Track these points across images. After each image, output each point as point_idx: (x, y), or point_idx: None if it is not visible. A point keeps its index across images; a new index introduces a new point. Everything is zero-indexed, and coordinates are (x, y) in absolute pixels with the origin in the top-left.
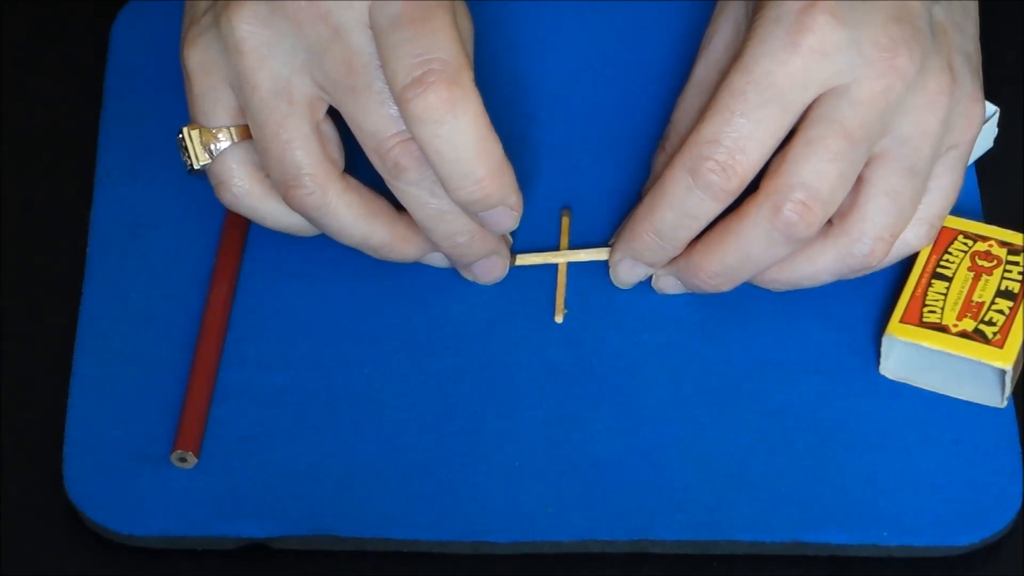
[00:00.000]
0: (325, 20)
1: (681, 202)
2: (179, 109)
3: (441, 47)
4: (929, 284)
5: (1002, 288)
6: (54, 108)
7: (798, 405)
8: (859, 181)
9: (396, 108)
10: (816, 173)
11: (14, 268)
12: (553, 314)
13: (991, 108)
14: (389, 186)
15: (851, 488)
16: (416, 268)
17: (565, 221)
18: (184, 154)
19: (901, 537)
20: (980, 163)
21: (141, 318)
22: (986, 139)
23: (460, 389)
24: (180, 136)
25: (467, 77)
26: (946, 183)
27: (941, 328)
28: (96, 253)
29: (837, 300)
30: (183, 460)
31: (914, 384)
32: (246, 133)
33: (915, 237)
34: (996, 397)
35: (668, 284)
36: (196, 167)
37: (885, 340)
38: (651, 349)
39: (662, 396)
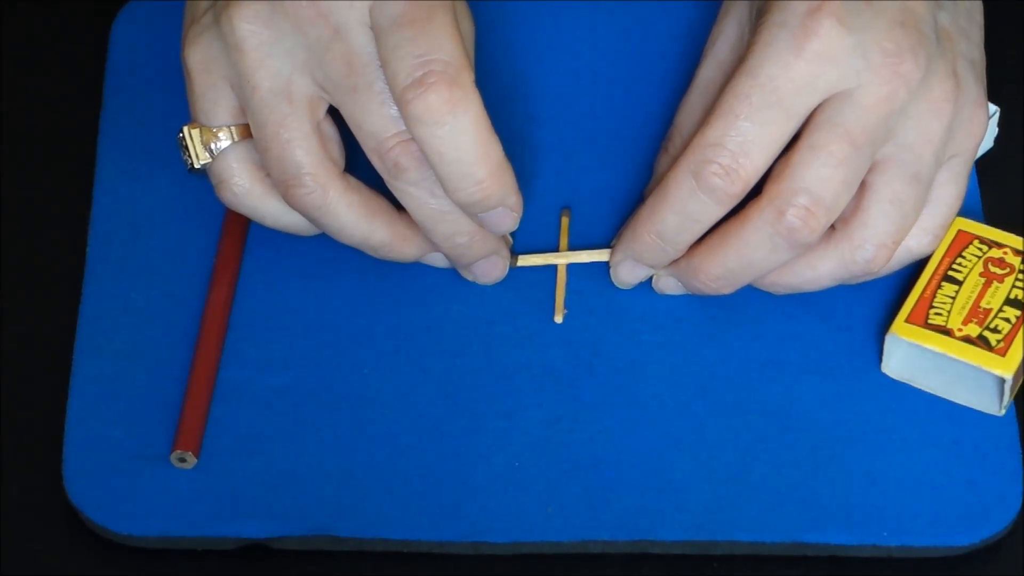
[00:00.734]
0: (326, 20)
1: (684, 205)
2: (179, 109)
3: (442, 48)
4: (939, 286)
5: (1011, 296)
6: (54, 108)
7: (798, 405)
8: (862, 187)
9: (396, 108)
10: (820, 179)
11: (14, 268)
12: (553, 314)
13: (991, 108)
14: (389, 186)
15: (851, 488)
16: (416, 268)
17: (565, 221)
18: (184, 153)
19: (901, 537)
20: (980, 163)
21: (141, 318)
22: (986, 139)
23: (460, 389)
24: (180, 135)
25: (468, 78)
26: (950, 191)
27: (945, 331)
28: (96, 253)
29: (839, 301)
30: (183, 460)
31: (915, 385)
32: (246, 132)
33: (918, 245)
34: (995, 405)
35: (668, 285)
36: (196, 166)
37: (888, 339)
38: (651, 349)
39: (662, 396)
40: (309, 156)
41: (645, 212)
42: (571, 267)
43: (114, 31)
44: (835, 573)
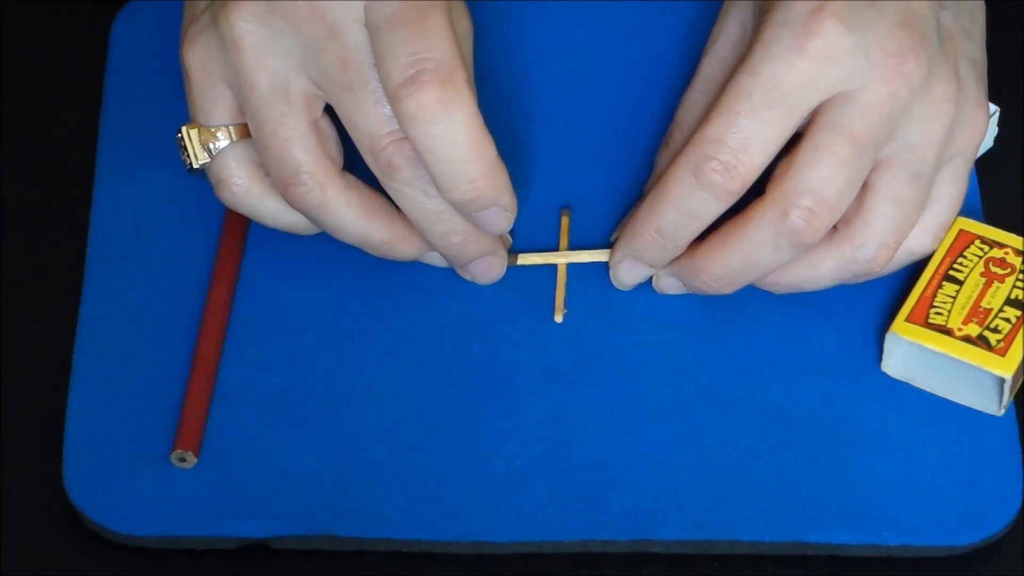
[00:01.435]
0: (321, 18)
1: (684, 201)
2: (179, 109)
3: (435, 47)
4: (939, 286)
5: (1012, 297)
6: (54, 108)
7: (799, 405)
8: (864, 187)
9: (390, 107)
10: (823, 180)
11: (14, 268)
12: (553, 314)
13: (991, 108)
14: (383, 185)
15: (851, 488)
16: (416, 268)
17: (565, 221)
18: (183, 153)
19: (901, 537)
20: (980, 163)
21: (141, 318)
22: (986, 139)
23: (460, 389)
24: (179, 135)
25: (461, 77)
26: (951, 192)
27: (945, 331)
28: (96, 253)
29: (839, 300)
30: (183, 460)
31: (915, 385)
32: (245, 132)
33: (919, 246)
34: (994, 405)
35: (669, 285)
36: (195, 166)
37: (889, 338)
38: (651, 349)
39: (662, 396)
40: (307, 154)
41: (644, 210)
42: (571, 267)
43: (114, 31)
44: (835, 573)
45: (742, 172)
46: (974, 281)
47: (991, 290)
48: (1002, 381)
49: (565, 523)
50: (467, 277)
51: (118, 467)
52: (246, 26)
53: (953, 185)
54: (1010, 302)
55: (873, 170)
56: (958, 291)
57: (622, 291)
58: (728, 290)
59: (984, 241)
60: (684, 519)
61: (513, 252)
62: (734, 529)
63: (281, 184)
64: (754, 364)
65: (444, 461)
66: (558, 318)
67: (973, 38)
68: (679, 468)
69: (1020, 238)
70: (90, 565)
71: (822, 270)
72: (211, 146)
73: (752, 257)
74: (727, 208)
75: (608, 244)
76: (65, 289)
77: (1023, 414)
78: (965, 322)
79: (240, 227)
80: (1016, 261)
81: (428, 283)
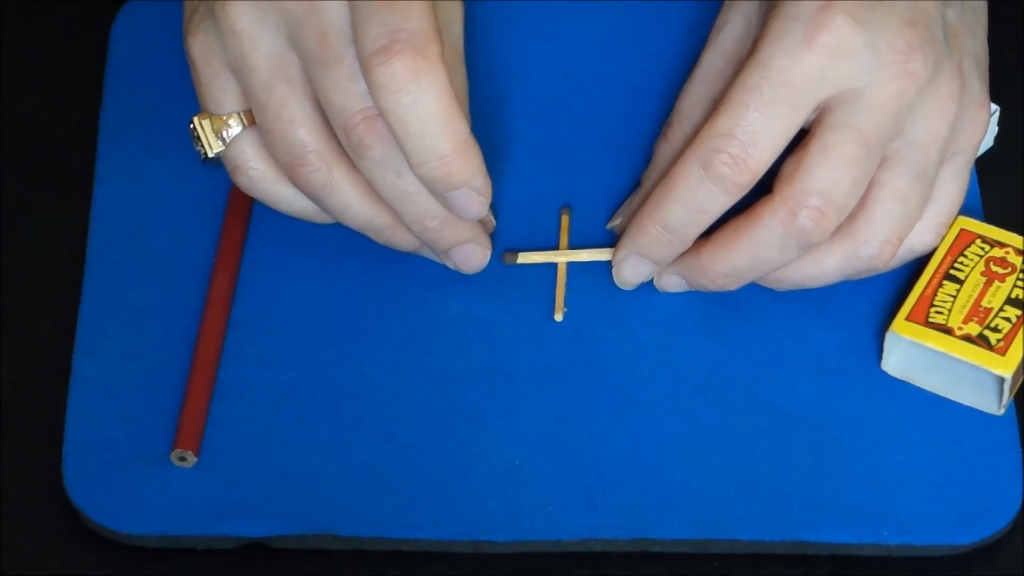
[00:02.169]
0: None
1: (692, 195)
2: (179, 108)
3: (410, 19)
4: (940, 285)
5: (1012, 296)
6: (54, 108)
7: (799, 404)
8: (868, 183)
9: (365, 85)
10: (832, 180)
11: (14, 268)
12: (553, 313)
13: (992, 107)
14: (357, 165)
15: (851, 487)
16: (416, 267)
17: (565, 220)
18: (197, 144)
19: (901, 536)
20: (980, 162)
21: (141, 318)
22: (987, 138)
23: (460, 388)
24: (192, 126)
25: (435, 50)
26: (952, 190)
27: (946, 330)
28: (96, 253)
29: (839, 299)
30: (183, 459)
31: (915, 384)
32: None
33: (920, 243)
34: (994, 404)
35: (672, 283)
36: (210, 155)
37: (889, 337)
38: (651, 347)
39: (662, 395)
40: (312, 135)
41: (650, 205)
42: (571, 266)
43: (114, 31)
44: (835, 572)
45: (751, 165)
46: (974, 280)
47: (991, 289)
48: (1002, 380)
49: (565, 522)
50: (450, 266)
51: (118, 467)
52: (239, 8)
53: (955, 183)
54: (1010, 301)
55: (878, 167)
56: (958, 290)
57: (622, 290)
58: (733, 287)
59: (985, 240)
60: (684, 518)
61: (513, 251)
62: (734, 528)
63: (287, 166)
64: (754, 363)
65: (444, 460)
66: (558, 317)
67: (976, 36)
68: (679, 467)
69: (1021, 237)
70: (90, 565)
71: (826, 267)
72: (224, 134)
73: (759, 255)
74: (735, 202)
75: (608, 243)
76: (65, 289)
77: (1023, 414)
78: (965, 321)
79: (239, 225)
80: (1017, 261)
81: (428, 282)
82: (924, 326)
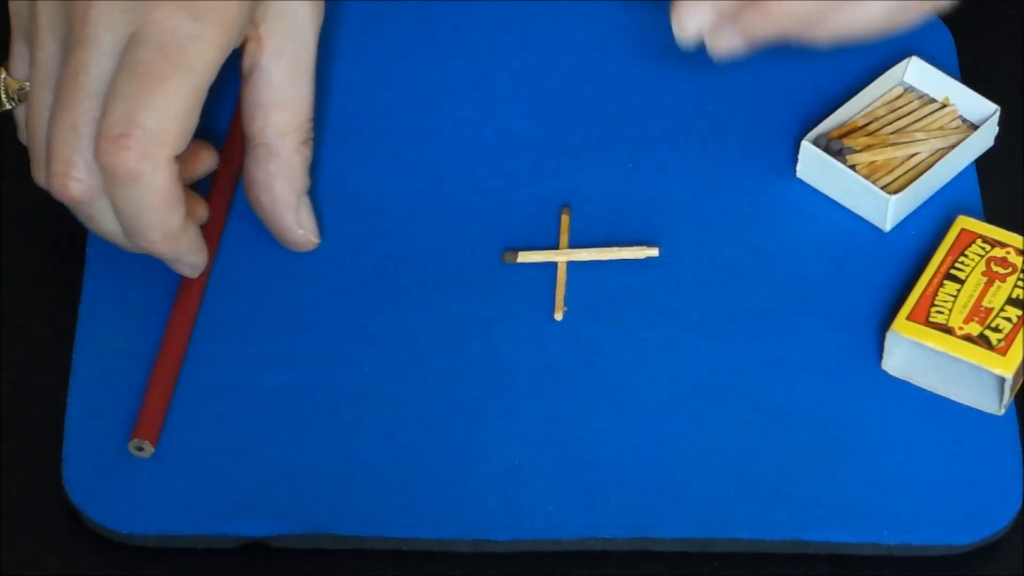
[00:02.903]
0: (84, 23)
1: None
2: None
3: (152, 115)
4: (940, 285)
5: (1013, 296)
6: None
7: (799, 403)
8: None
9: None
10: None
11: (14, 268)
12: (553, 312)
13: (991, 107)
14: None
15: (851, 487)
16: (416, 267)
17: (565, 219)
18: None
19: (901, 536)
20: (980, 163)
21: (141, 318)
22: (986, 138)
23: (460, 388)
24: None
25: (162, 154)
26: None
27: (946, 329)
28: (96, 253)
29: (839, 299)
30: (140, 449)
31: (915, 383)
32: None
33: None
34: (994, 404)
35: (727, 40)
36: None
37: (889, 336)
38: (651, 347)
39: (662, 394)
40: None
41: None
42: (571, 265)
43: None
44: (835, 572)
45: None
46: (975, 280)
47: (992, 289)
48: (1003, 380)
49: (565, 521)
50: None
51: (118, 467)
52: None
53: None
54: (1011, 301)
55: None
56: (959, 290)
57: (622, 290)
58: (790, 27)
59: (985, 240)
60: (684, 517)
61: (513, 251)
62: (734, 527)
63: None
64: (754, 362)
65: (444, 460)
66: (558, 316)
67: None
68: (679, 466)
69: (1021, 237)
70: (90, 565)
71: (872, 11)
72: (15, 96)
73: None
74: None
75: (608, 243)
76: (65, 289)
77: (1023, 414)
78: (966, 321)
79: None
80: (1017, 260)
81: (428, 282)
82: (925, 326)
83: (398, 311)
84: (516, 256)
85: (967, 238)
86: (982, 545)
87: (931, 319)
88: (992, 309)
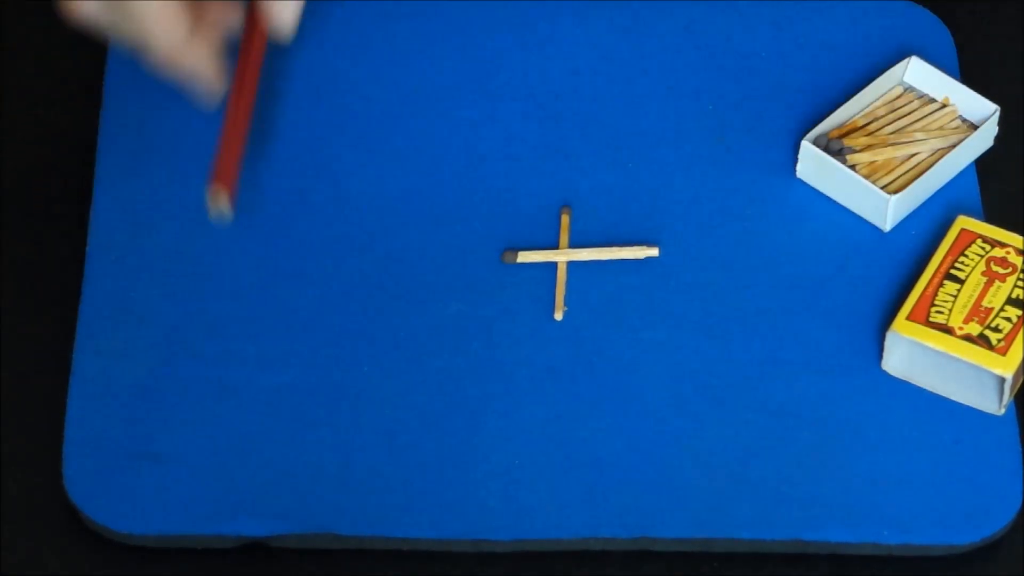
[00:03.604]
0: None
1: None
2: (179, 108)
3: None
4: (940, 284)
5: (1013, 296)
6: (54, 108)
7: (799, 403)
8: None
9: None
10: None
11: (14, 268)
12: (553, 312)
13: (991, 107)
14: None
15: (852, 486)
16: (416, 267)
17: (565, 219)
18: None
19: (901, 536)
20: (980, 163)
21: (141, 318)
22: (986, 138)
23: (460, 387)
24: None
25: None
26: None
27: (946, 329)
28: (96, 253)
29: (839, 299)
30: (216, 203)
31: (915, 383)
32: None
33: None
34: (994, 404)
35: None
36: None
37: (889, 336)
38: (651, 347)
39: (662, 394)
40: None
41: None
42: (571, 265)
43: None
44: (835, 571)
45: None
46: (975, 280)
47: (992, 289)
48: (1002, 380)
49: (565, 521)
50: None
51: (118, 467)
52: None
53: None
54: (1011, 301)
55: None
56: (959, 290)
57: (622, 290)
58: None
59: (985, 240)
60: (684, 517)
61: (513, 251)
62: (734, 527)
63: None
64: (754, 362)
65: (444, 459)
66: (558, 316)
67: None
68: (679, 466)
69: (1021, 237)
70: (90, 564)
71: None
72: None
73: None
74: None
75: (608, 243)
76: (65, 289)
77: (1023, 414)
78: (966, 321)
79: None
80: (1017, 260)
81: (428, 282)
82: (925, 326)
83: (398, 311)
84: (516, 256)
85: (967, 238)
86: (982, 545)
87: (931, 319)
88: (992, 309)
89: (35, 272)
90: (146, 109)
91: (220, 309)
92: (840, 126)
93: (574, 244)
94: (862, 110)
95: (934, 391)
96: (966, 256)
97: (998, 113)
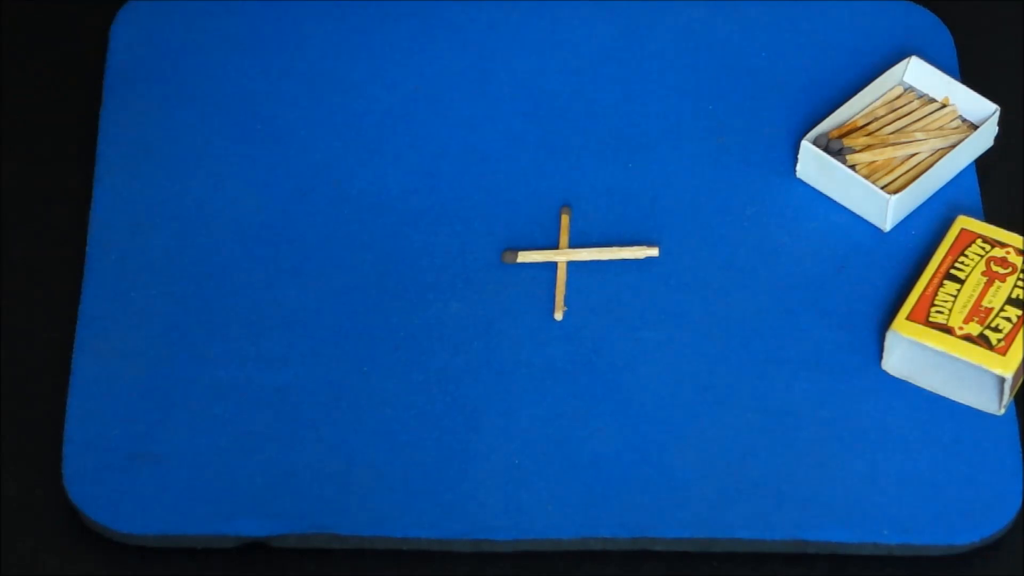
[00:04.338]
0: None
1: None
2: (179, 108)
3: None
4: (940, 284)
5: (1013, 296)
6: (54, 108)
7: (799, 403)
8: None
9: None
10: None
11: (14, 268)
12: (553, 312)
13: (991, 107)
14: None
15: (852, 486)
16: (416, 267)
17: (565, 219)
18: None
19: (901, 536)
20: (980, 163)
21: (141, 318)
22: (986, 138)
23: (460, 387)
24: None
25: None
26: None
27: (946, 329)
28: (96, 253)
29: (839, 299)
30: None
31: (915, 383)
32: None
33: None
34: (994, 404)
35: None
36: None
37: (889, 336)
38: (651, 347)
39: (662, 394)
40: None
41: None
42: (571, 265)
43: (114, 31)
44: (835, 571)
45: None
46: (975, 280)
47: (992, 289)
48: (1002, 380)
49: (565, 521)
50: None
51: (118, 467)
52: None
53: None
54: (1011, 301)
55: None
56: (959, 290)
57: (622, 290)
58: None
59: (985, 240)
60: (684, 517)
61: (513, 251)
62: (734, 527)
63: None
64: (754, 362)
65: (444, 459)
66: (558, 316)
67: None
68: (679, 466)
69: (1021, 237)
70: (90, 564)
71: None
72: None
73: None
74: None
75: (608, 243)
76: (65, 289)
77: (1023, 414)
78: (966, 321)
79: None
80: (1017, 260)
81: (428, 282)
82: (925, 325)
83: (398, 311)
84: (516, 256)
85: (967, 238)
86: (982, 545)
87: (931, 319)
88: (992, 309)
89: (35, 272)
90: (146, 109)
91: (220, 309)
92: (840, 126)
93: (574, 244)
94: (862, 110)
95: (934, 391)
96: (966, 256)
97: (998, 113)
